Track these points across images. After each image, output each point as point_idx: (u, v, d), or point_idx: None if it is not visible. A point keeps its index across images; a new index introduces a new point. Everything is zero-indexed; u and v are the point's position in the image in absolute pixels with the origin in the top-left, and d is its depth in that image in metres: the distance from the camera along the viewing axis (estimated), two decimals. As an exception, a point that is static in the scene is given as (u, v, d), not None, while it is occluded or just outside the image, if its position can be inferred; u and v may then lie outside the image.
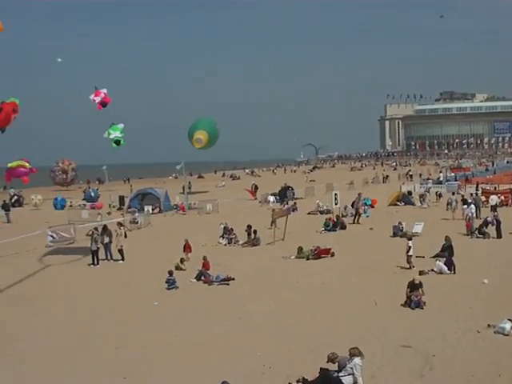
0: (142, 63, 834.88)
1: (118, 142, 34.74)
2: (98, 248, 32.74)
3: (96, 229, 33.84)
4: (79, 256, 34.40)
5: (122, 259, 33.18)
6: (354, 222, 44.71)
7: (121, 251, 33.37)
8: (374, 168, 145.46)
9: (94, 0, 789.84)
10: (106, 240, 33.38)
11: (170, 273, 26.76)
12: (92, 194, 73.02)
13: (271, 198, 62.80)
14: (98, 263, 32.39)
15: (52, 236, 39.61)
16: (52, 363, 17.50)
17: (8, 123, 32.29)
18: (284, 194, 65.52)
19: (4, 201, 61.99)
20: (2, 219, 55.13)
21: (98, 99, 34.30)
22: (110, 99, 34.99)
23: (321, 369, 15.32)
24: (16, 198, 73.37)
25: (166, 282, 26.32)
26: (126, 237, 34.29)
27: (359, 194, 49.61)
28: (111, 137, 34.63)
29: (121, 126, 35.08)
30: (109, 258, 33.39)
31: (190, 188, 70.97)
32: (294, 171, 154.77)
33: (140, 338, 19.35)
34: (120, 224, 35.88)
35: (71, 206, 65.86)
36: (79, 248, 36.59)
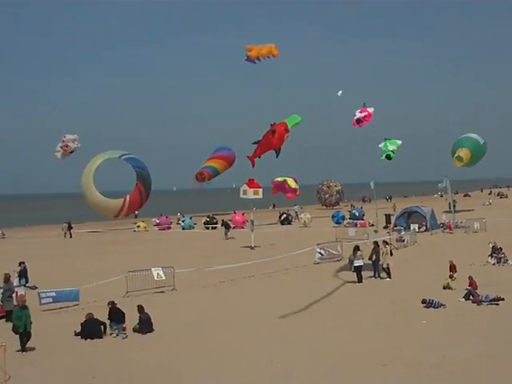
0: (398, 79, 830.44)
1: (388, 157, 34.40)
2: (360, 266, 33.17)
3: (357, 247, 34.27)
4: (346, 273, 35.16)
5: (389, 277, 33.47)
6: None
7: (387, 269, 33.67)
8: None
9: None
10: (374, 258, 33.85)
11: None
12: (356, 214, 73.90)
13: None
14: (361, 281, 32.93)
15: (320, 253, 40.69)
16: (319, 377, 18.00)
17: (282, 143, 33.50)
18: None
19: (223, 220, 65.35)
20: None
21: (359, 116, 34.07)
22: (369, 120, 34.57)
23: None
24: (285, 216, 76.29)
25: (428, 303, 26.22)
26: (391, 255, 34.48)
27: None
28: (390, 149, 34.17)
29: (399, 142, 34.65)
30: (376, 275, 33.81)
31: (454, 206, 69.79)
32: None
33: (407, 357, 19.33)
34: (386, 242, 36.12)
35: (348, 224, 67.03)
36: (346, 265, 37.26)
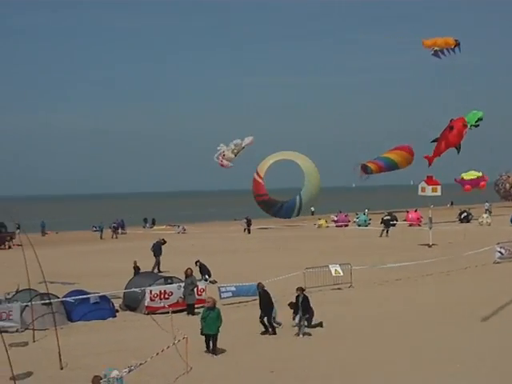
0: None
1: None
2: None
3: None
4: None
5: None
6: None
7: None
8: None
9: None
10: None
11: None
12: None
13: None
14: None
15: (500, 252, 39.64)
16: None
17: (461, 139, 33.04)
18: None
19: (382, 218, 63.85)
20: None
21: None
22: None
23: None
24: (465, 214, 74.44)
25: None
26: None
27: None
28: None
29: None
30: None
31: None
32: None
33: None
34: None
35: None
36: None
